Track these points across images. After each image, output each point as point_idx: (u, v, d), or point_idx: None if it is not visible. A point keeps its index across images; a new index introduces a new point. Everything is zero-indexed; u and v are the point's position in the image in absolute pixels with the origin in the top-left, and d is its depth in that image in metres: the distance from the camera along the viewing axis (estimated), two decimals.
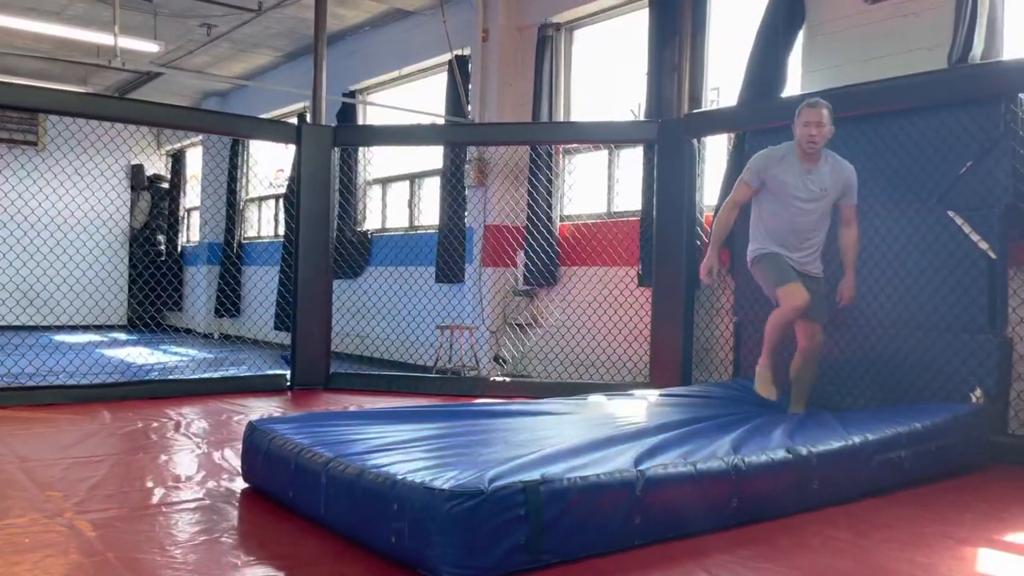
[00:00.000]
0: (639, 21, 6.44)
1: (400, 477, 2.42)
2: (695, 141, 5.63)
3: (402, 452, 2.81)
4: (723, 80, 5.97)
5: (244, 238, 11.12)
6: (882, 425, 3.47)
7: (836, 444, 3.19)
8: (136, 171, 12.89)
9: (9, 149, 11.50)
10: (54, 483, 3.18)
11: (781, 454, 2.99)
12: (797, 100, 5.04)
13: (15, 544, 2.46)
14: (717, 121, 5.56)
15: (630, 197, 6.48)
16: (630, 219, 6.36)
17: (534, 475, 2.43)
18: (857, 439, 3.27)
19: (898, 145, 4.56)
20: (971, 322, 4.24)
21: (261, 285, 9.55)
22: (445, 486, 2.28)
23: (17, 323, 9.47)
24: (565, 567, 2.37)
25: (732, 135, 5.59)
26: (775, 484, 2.94)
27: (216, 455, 3.77)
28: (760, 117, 5.21)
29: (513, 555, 2.28)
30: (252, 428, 3.25)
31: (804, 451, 3.05)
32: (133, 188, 12.93)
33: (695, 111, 5.72)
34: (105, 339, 10.31)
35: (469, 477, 2.38)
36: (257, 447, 3.14)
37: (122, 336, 10.93)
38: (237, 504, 3.00)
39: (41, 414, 4.74)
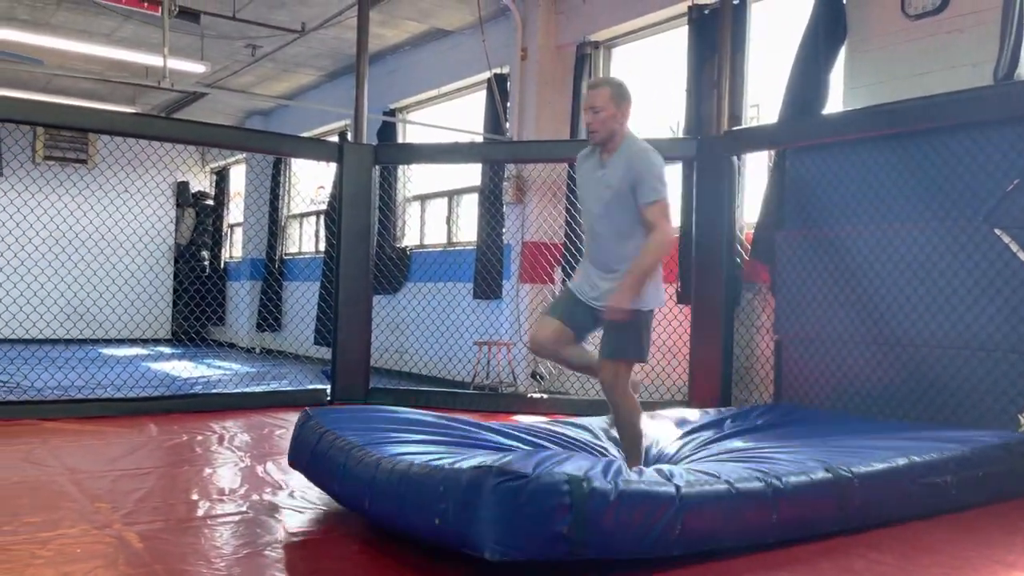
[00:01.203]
0: (678, 39, 6.45)
1: (447, 465, 2.47)
2: (735, 158, 5.61)
3: (449, 448, 2.86)
4: (763, 97, 5.95)
5: (286, 254, 11.29)
6: (928, 448, 3.41)
7: (880, 466, 3.13)
8: (182, 188, 13.18)
9: (62, 167, 11.83)
10: (103, 495, 3.26)
11: (821, 474, 2.96)
12: (838, 118, 5.04)
13: (67, 554, 2.53)
14: (757, 138, 5.54)
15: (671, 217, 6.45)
16: None
17: (578, 471, 2.44)
18: (902, 462, 3.21)
19: (942, 162, 4.50)
20: (1019, 342, 4.15)
21: (302, 300, 9.69)
22: (491, 464, 2.34)
23: (67, 337, 9.71)
24: (603, 566, 2.37)
25: (772, 152, 5.56)
26: (815, 505, 2.90)
27: (259, 469, 3.82)
28: (801, 134, 5.18)
29: (556, 543, 2.29)
30: (307, 416, 3.34)
31: (846, 472, 3.01)
32: (179, 205, 13.21)
33: (734, 128, 5.70)
34: (151, 353, 10.51)
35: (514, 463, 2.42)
36: (307, 439, 3.21)
37: (167, 350, 11.14)
38: (280, 518, 3.04)
39: (90, 426, 4.85)
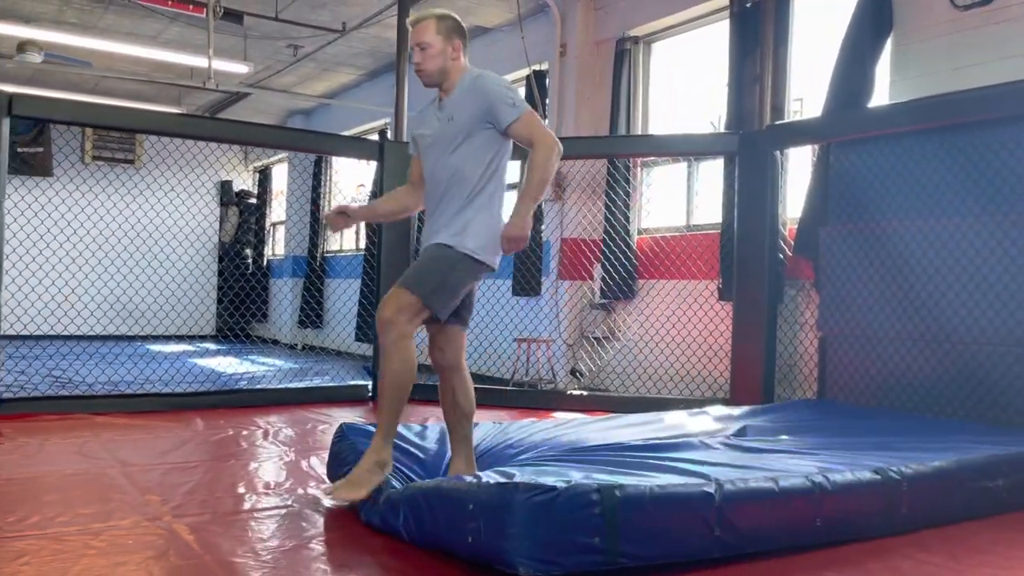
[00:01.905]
0: (719, 32, 6.39)
1: (475, 480, 2.48)
2: (777, 153, 5.55)
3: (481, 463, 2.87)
4: (807, 90, 5.87)
5: (327, 252, 11.41)
6: (979, 449, 3.34)
7: (928, 467, 3.08)
8: (225, 187, 13.39)
9: (111, 167, 12.10)
10: (153, 487, 3.34)
11: (868, 475, 2.91)
12: (884, 111, 4.95)
13: (119, 545, 2.59)
14: (800, 132, 5.46)
15: (710, 210, 6.42)
16: (710, 232, 6.30)
17: (610, 479, 2.44)
18: (952, 464, 3.15)
19: (992, 156, 4.40)
20: None
21: (344, 298, 9.79)
22: (519, 480, 2.34)
23: (117, 333, 9.94)
24: (641, 573, 2.36)
25: (816, 146, 5.48)
26: (861, 505, 2.86)
27: (303, 463, 3.88)
28: (845, 128, 5.10)
29: (589, 554, 2.28)
30: (342, 433, 3.36)
31: (894, 473, 2.96)
32: (222, 203, 13.43)
33: (777, 122, 5.64)
34: (196, 349, 10.71)
35: (543, 476, 2.43)
36: (343, 455, 3.23)
37: (212, 346, 11.34)
38: (324, 511, 3.08)
39: (139, 421, 4.97)
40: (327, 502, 3.08)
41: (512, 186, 3.73)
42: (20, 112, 5.05)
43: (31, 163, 11.41)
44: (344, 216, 3.21)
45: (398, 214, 3.40)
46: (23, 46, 8.50)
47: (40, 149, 11.57)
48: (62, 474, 3.54)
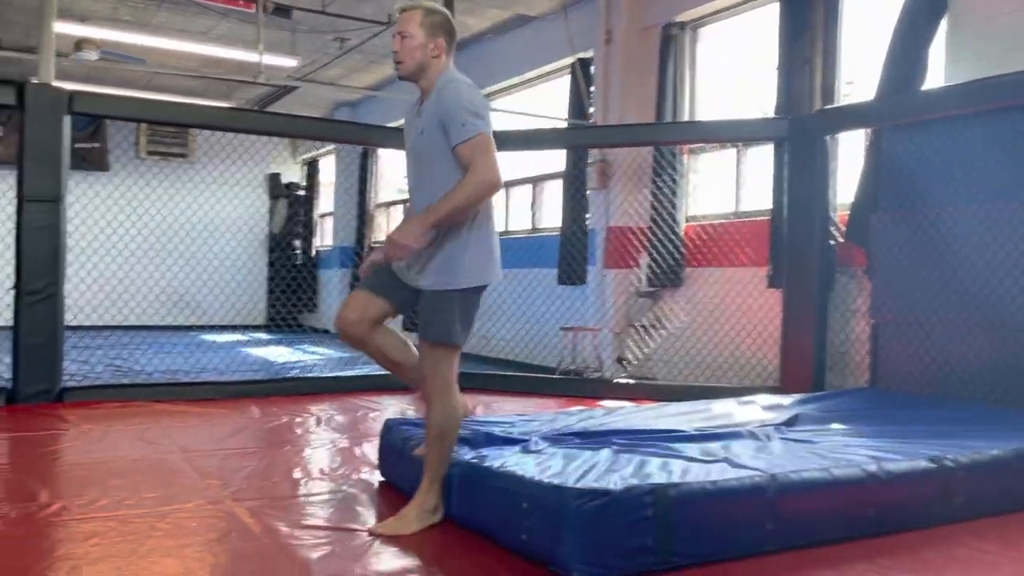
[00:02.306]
0: (768, 15, 6.30)
1: (528, 477, 2.49)
2: (828, 138, 5.47)
3: (533, 454, 2.89)
4: (858, 73, 5.76)
5: (374, 242, 11.54)
6: None
7: (985, 455, 3.03)
8: (274, 179, 13.61)
9: (169, 162, 12.39)
10: (212, 472, 3.44)
11: (923, 463, 2.88)
12: (938, 93, 4.85)
13: (183, 527, 2.69)
14: (852, 117, 5.37)
15: (759, 196, 6.35)
16: (759, 219, 6.23)
17: (662, 478, 2.46)
18: (1009, 452, 3.10)
19: None
20: None
21: None
22: (573, 485, 2.34)
23: (175, 324, 10.21)
24: (696, 570, 2.38)
25: (868, 131, 5.39)
26: (916, 494, 2.84)
27: (356, 450, 3.96)
28: (898, 111, 5.01)
29: (643, 556, 2.31)
30: (388, 427, 3.41)
31: (949, 461, 2.93)
32: (272, 196, 13.65)
33: (828, 107, 5.55)
34: (248, 338, 10.94)
35: (597, 477, 2.44)
36: (393, 446, 3.28)
37: (264, 336, 11.56)
38: (375, 496, 3.15)
39: (197, 408, 5.11)
40: (370, 530, 2.72)
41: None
42: (80, 109, 5.22)
43: (88, 159, 11.74)
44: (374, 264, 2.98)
45: None
46: (80, 44, 8.74)
47: (97, 145, 11.90)
48: (126, 459, 3.67)
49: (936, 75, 5.07)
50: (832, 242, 5.48)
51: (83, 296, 6.03)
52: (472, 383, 6.35)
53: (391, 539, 2.62)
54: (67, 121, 5.14)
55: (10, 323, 5.06)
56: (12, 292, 5.00)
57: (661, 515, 2.33)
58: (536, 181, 8.64)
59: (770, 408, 4.14)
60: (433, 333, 2.72)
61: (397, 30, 2.77)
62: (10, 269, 5.05)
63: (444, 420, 2.74)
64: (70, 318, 5.36)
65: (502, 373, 6.83)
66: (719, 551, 2.45)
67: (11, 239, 5.02)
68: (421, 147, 2.76)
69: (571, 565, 2.26)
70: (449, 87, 2.71)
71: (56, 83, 5.13)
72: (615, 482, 2.37)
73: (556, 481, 2.39)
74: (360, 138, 7.22)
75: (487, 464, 2.71)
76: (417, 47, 2.74)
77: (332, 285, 12.40)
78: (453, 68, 2.80)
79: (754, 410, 4.08)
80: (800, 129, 5.51)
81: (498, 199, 9.04)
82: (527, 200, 8.80)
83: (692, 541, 2.39)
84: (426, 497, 2.75)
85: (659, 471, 2.57)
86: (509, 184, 9.08)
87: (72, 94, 5.15)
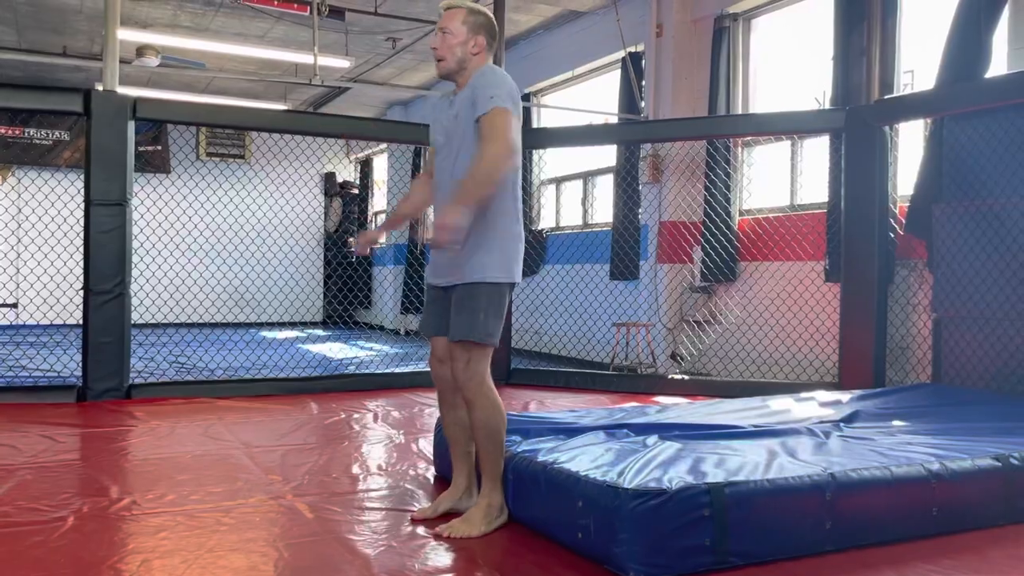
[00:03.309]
0: (823, 5, 6.18)
1: (583, 474, 2.50)
2: (887, 128, 5.35)
3: (585, 450, 2.89)
4: (918, 62, 5.62)
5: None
6: None
7: None
8: (329, 178, 13.82)
9: (227, 164, 12.68)
10: (274, 468, 3.53)
11: (988, 461, 2.82)
12: (1001, 81, 4.70)
13: (248, 521, 2.77)
14: (911, 106, 5.24)
15: (815, 189, 6.24)
16: (816, 212, 6.13)
17: (719, 476, 2.45)
18: None
19: None
20: None
21: None
22: (629, 485, 2.34)
23: (235, 321, 10.46)
24: (753, 569, 2.37)
25: (928, 121, 5.26)
26: (980, 493, 2.78)
27: (412, 445, 4.03)
28: (959, 101, 4.87)
29: (699, 555, 2.31)
30: (441, 426, 3.43)
31: (1015, 459, 2.86)
32: (326, 194, 13.86)
33: (886, 96, 5.43)
34: (305, 335, 11.15)
35: (653, 476, 2.44)
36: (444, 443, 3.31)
37: (320, 332, 11.77)
38: (432, 492, 3.20)
39: (258, 404, 5.24)
40: (436, 533, 2.69)
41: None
42: (143, 115, 5.38)
43: (150, 161, 12.09)
44: (367, 240, 3.14)
45: (421, 209, 3.20)
46: (141, 50, 9.00)
47: (158, 147, 12.24)
48: (192, 455, 3.79)
49: (999, 62, 4.92)
50: (891, 234, 5.36)
51: (147, 295, 6.21)
52: (524, 378, 6.39)
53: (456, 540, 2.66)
54: (131, 127, 5.30)
55: (80, 322, 5.25)
56: (82, 292, 5.19)
57: (718, 515, 2.32)
58: (588, 176, 8.62)
59: (829, 404, 4.08)
60: (463, 330, 2.67)
61: (439, 26, 2.81)
62: (80, 270, 5.25)
63: (489, 418, 2.71)
64: (136, 317, 5.53)
65: (555, 369, 6.85)
66: (776, 551, 2.43)
67: (80, 241, 5.20)
68: (455, 132, 2.77)
69: (627, 565, 2.27)
70: (482, 75, 2.74)
71: (120, 89, 5.29)
72: (671, 481, 2.37)
73: (612, 480, 2.40)
74: (412, 137, 7.30)
75: (541, 459, 2.72)
76: (458, 44, 2.77)
77: (386, 282, 12.56)
78: (491, 64, 2.83)
79: (812, 406, 4.03)
80: (857, 120, 5.41)
81: (550, 195, 9.05)
82: (578, 195, 8.79)
83: (749, 541, 2.38)
84: (491, 497, 2.74)
85: (715, 468, 2.56)
86: (561, 180, 9.09)
87: (136, 100, 5.31)
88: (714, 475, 2.47)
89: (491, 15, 2.88)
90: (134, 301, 5.44)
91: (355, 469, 3.54)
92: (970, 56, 4.92)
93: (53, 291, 6.60)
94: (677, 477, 2.43)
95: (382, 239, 2.96)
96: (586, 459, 2.71)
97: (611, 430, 3.22)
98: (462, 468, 2.90)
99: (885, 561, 2.47)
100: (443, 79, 2.88)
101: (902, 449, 2.96)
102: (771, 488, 2.44)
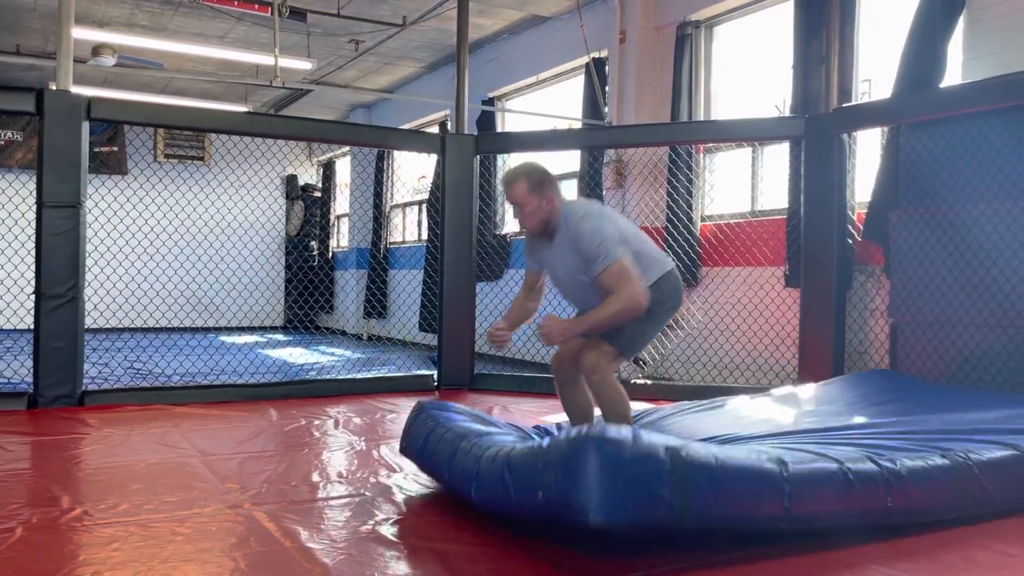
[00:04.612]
0: (783, 13, 6.27)
1: (548, 443, 2.50)
2: (845, 136, 5.43)
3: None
4: (875, 71, 5.72)
5: (390, 243, 11.59)
6: None
7: (1000, 453, 3.00)
8: (290, 181, 13.69)
9: (185, 166, 12.49)
10: (231, 476, 3.47)
11: (938, 460, 2.85)
12: (956, 91, 4.80)
13: (203, 532, 2.71)
14: (868, 115, 5.33)
15: (775, 195, 6.32)
16: (776, 218, 6.20)
17: (677, 444, 2.44)
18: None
19: None
20: None
21: (409, 289, 9.93)
22: (591, 433, 2.36)
23: (193, 326, 10.29)
24: (707, 565, 2.38)
25: (885, 129, 5.35)
26: (932, 492, 2.80)
27: (374, 452, 3.98)
28: (916, 109, 4.97)
29: (658, 508, 2.28)
30: (420, 408, 3.45)
31: (963, 458, 2.89)
32: (288, 197, 13.73)
33: (845, 105, 5.51)
34: (266, 340, 11.00)
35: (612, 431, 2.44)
36: (420, 429, 3.31)
37: (281, 337, 11.63)
38: (396, 499, 3.16)
39: (216, 411, 5.15)
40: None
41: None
42: (98, 115, 5.27)
43: (106, 162, 11.87)
44: (502, 335, 3.49)
45: (527, 319, 3.75)
46: (97, 49, 8.82)
47: (114, 148, 12.02)
48: (147, 463, 3.70)
49: (954, 72, 5.03)
50: (849, 240, 5.45)
51: (102, 299, 6.08)
52: (488, 384, 6.37)
53: (410, 541, 2.63)
54: (86, 127, 5.19)
55: (31, 327, 5.12)
56: (33, 296, 5.06)
57: (678, 471, 2.30)
58: None
59: (780, 399, 4.12)
60: (611, 334, 3.22)
61: (511, 201, 3.31)
62: (31, 274, 5.11)
63: (617, 407, 3.22)
64: (90, 321, 5.41)
65: (519, 374, 6.83)
66: (735, 518, 2.42)
67: (32, 244, 5.07)
68: (576, 277, 3.34)
69: (588, 510, 2.23)
70: (578, 229, 3.25)
71: (74, 89, 5.18)
72: (630, 436, 2.37)
73: (572, 435, 2.40)
74: (377, 141, 7.25)
75: (506, 450, 2.71)
76: (535, 210, 3.30)
77: (349, 286, 12.47)
78: (565, 202, 3.38)
79: (764, 401, 4.07)
80: (817, 127, 5.48)
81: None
82: None
83: (705, 504, 2.34)
84: None
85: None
86: None
87: (90, 100, 5.19)
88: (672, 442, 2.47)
89: (543, 166, 3.36)
90: (88, 305, 5.32)
91: (315, 477, 3.49)
92: (926, 65, 5.02)
93: (3, 295, 6.43)
94: (637, 435, 2.42)
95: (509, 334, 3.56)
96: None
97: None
98: None
99: (841, 564, 2.49)
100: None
101: (855, 441, 3.01)
102: (727, 463, 2.41)
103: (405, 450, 3.44)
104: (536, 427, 3.74)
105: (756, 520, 2.46)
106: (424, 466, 3.27)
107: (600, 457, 2.27)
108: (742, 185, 6.70)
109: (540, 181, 3.28)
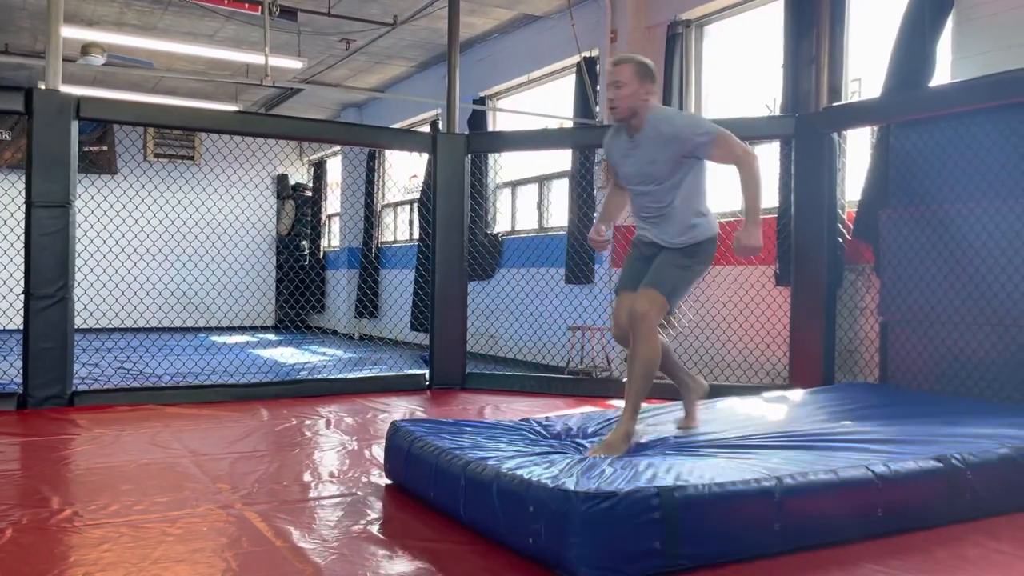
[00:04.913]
0: (773, 13, 6.28)
1: (535, 480, 2.49)
2: (835, 135, 5.45)
3: (536, 457, 2.90)
4: (865, 71, 5.74)
5: (381, 242, 11.57)
6: None
7: (992, 454, 3.02)
8: (281, 180, 13.64)
9: (176, 165, 12.43)
10: (223, 476, 3.46)
11: (931, 463, 2.87)
12: (945, 90, 4.83)
13: (195, 532, 2.70)
14: (858, 114, 5.35)
15: (766, 194, 6.32)
16: (766, 216, 6.21)
17: (668, 480, 2.46)
18: (1017, 450, 3.09)
19: None
20: None
21: (401, 288, 9.92)
22: (579, 489, 2.34)
23: (184, 326, 10.25)
24: (703, 572, 2.38)
25: (875, 128, 5.37)
26: (924, 494, 2.82)
27: (365, 452, 3.97)
28: (905, 108, 4.99)
29: (649, 558, 2.31)
30: (395, 429, 3.41)
31: (955, 460, 2.91)
32: (279, 196, 13.69)
33: (835, 104, 5.53)
34: (257, 340, 10.97)
35: (603, 480, 2.45)
36: (399, 448, 3.28)
37: (272, 337, 11.60)
38: (385, 499, 3.16)
39: (207, 411, 5.13)
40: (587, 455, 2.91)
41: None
42: (87, 114, 5.24)
43: (96, 162, 11.80)
44: (602, 238, 3.59)
45: (620, 211, 3.83)
46: (87, 48, 8.77)
47: (104, 148, 11.96)
48: (138, 463, 3.68)
49: (943, 71, 5.05)
50: (840, 239, 5.46)
51: (92, 299, 6.05)
52: (480, 382, 6.37)
53: (401, 541, 2.63)
54: (75, 126, 5.16)
55: (21, 327, 5.09)
56: (22, 297, 5.03)
57: (668, 517, 2.32)
58: (543, 180, 8.64)
59: (774, 405, 4.13)
60: (664, 283, 3.34)
61: (612, 79, 3.32)
62: (20, 274, 5.08)
63: (651, 357, 3.28)
64: (80, 321, 5.38)
65: (510, 373, 6.84)
66: (727, 553, 2.44)
67: (21, 244, 5.05)
68: (651, 172, 3.39)
69: (579, 569, 2.26)
70: (667, 124, 3.33)
71: (64, 88, 5.15)
72: (620, 483, 2.37)
73: (562, 484, 2.39)
74: (368, 140, 7.23)
75: (492, 465, 2.71)
76: (631, 94, 3.31)
77: (340, 285, 12.44)
78: (657, 106, 3.43)
79: (758, 408, 4.07)
80: (807, 127, 5.50)
81: (506, 199, 9.06)
82: (534, 199, 8.79)
83: (698, 544, 2.38)
84: (628, 424, 3.23)
85: (664, 473, 2.57)
86: (516, 183, 9.09)
87: (79, 99, 5.17)
88: (663, 479, 2.48)
89: (650, 62, 3.42)
90: (78, 305, 5.29)
91: (306, 477, 3.48)
92: (915, 64, 5.04)
93: None
94: (627, 479, 2.43)
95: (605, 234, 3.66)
96: (537, 464, 2.70)
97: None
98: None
99: (833, 562, 2.50)
100: (618, 122, 3.43)
101: (848, 449, 3.02)
102: (720, 492, 2.44)
103: (391, 475, 3.38)
104: (524, 420, 3.72)
105: (748, 548, 2.47)
106: (411, 488, 3.19)
107: (588, 517, 2.26)
108: (732, 184, 6.69)
109: (646, 72, 3.36)
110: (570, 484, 2.39)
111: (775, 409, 4.11)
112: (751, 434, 3.38)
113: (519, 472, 2.59)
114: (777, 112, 6.04)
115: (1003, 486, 3.00)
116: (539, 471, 2.62)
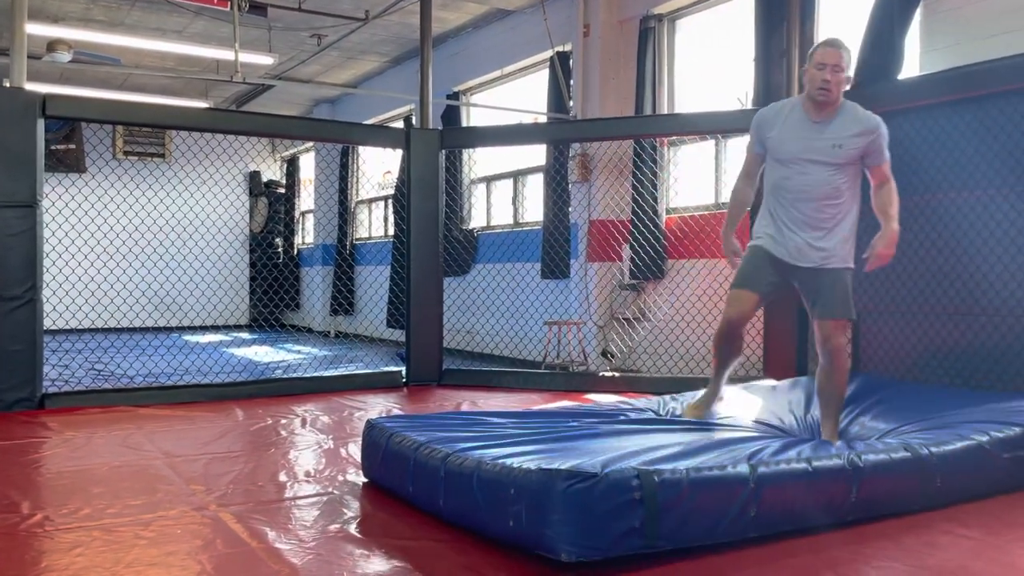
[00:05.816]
0: (744, 7, 6.31)
1: (516, 465, 2.50)
2: None
3: (516, 446, 2.89)
4: None
5: (356, 239, 11.51)
6: (1013, 420, 3.31)
7: (960, 444, 3.06)
8: (253, 177, 13.53)
9: (146, 163, 12.27)
10: (197, 477, 3.42)
11: (900, 453, 2.91)
12: (915, 82, 4.88)
13: (168, 534, 2.67)
14: None
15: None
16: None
17: (647, 463, 2.47)
18: (984, 437, 3.13)
19: None
20: None
21: (376, 285, 9.87)
22: (561, 467, 2.36)
23: (156, 326, 10.13)
24: (680, 554, 2.40)
25: None
26: (895, 482, 2.86)
27: (341, 451, 3.95)
28: (874, 100, 4.99)
29: (628, 538, 2.32)
30: (371, 426, 3.39)
31: (925, 451, 2.95)
32: (251, 194, 13.57)
33: None
34: (231, 339, 10.88)
35: (583, 462, 2.45)
36: (376, 444, 3.26)
37: (246, 335, 11.51)
38: (362, 498, 3.15)
39: (180, 411, 5.08)
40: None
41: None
42: (53, 113, 5.16)
43: (64, 160, 11.63)
44: (739, 256, 3.78)
45: (749, 205, 3.89)
46: (53, 45, 8.63)
47: (72, 146, 11.78)
48: (110, 466, 3.64)
49: (912, 63, 5.10)
50: None
51: (61, 300, 5.97)
52: (457, 379, 6.36)
53: (378, 540, 2.62)
54: (41, 124, 5.08)
55: None
56: None
57: (647, 498, 2.33)
58: (518, 175, 8.64)
59: (747, 395, 4.16)
60: (842, 311, 3.50)
61: (832, 62, 3.42)
62: None
63: (844, 383, 3.57)
64: (49, 323, 5.30)
65: (487, 368, 6.84)
66: (703, 536, 2.45)
67: None
68: (832, 155, 3.46)
69: (559, 546, 2.26)
70: (868, 116, 3.50)
71: (29, 85, 5.07)
72: (600, 465, 2.38)
73: (544, 465, 2.40)
74: (341, 136, 7.19)
75: (475, 456, 2.70)
76: (845, 80, 3.48)
77: (315, 283, 12.36)
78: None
79: (731, 398, 4.11)
80: None
81: (481, 194, 9.04)
82: (509, 194, 8.79)
83: (677, 525, 2.39)
84: (833, 435, 3.50)
85: (645, 455, 2.58)
86: (491, 179, 9.08)
87: (45, 97, 5.09)
88: (643, 461, 2.50)
89: None
90: (47, 306, 5.22)
91: (282, 476, 3.46)
92: (884, 58, 5.09)
93: None
94: (607, 461, 2.45)
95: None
96: (517, 453, 2.71)
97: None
98: (826, 422, 3.59)
99: (807, 550, 2.53)
100: (823, 104, 3.48)
101: (818, 439, 3.05)
102: (697, 477, 2.45)
103: (369, 473, 3.36)
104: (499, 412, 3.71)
105: (724, 532, 2.49)
106: (389, 485, 3.16)
107: (569, 495, 2.28)
108: (706, 177, 6.74)
109: (850, 61, 3.53)
110: (550, 465, 2.40)
111: (743, 398, 4.14)
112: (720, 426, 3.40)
113: (500, 459, 2.59)
114: (749, 105, 6.07)
115: (974, 473, 3.05)
116: (521, 457, 2.62)
